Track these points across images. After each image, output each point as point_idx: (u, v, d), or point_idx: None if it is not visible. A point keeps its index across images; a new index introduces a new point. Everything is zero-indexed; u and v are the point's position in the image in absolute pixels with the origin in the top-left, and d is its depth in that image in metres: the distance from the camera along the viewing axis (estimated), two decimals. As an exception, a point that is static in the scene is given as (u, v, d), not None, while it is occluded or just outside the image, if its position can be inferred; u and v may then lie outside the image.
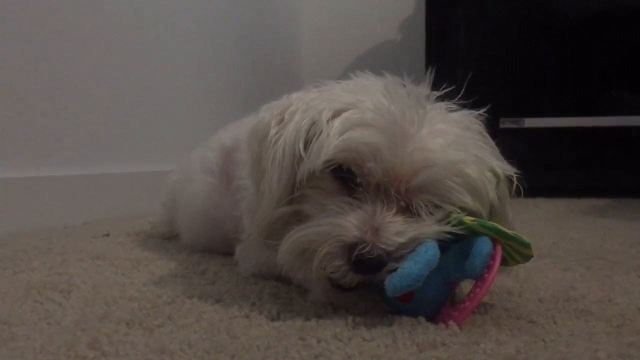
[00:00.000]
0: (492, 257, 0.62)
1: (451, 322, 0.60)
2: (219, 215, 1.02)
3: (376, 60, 3.10)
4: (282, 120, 0.71)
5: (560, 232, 1.34)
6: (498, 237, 0.63)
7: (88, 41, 1.58)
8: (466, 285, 0.72)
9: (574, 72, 2.36)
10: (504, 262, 0.65)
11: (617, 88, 2.36)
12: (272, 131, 0.70)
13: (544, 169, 2.18)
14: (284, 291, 0.76)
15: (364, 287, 0.65)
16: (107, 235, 1.28)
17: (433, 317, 0.63)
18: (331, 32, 3.25)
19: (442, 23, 2.53)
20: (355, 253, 0.60)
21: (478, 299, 0.61)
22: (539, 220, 1.56)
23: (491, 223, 0.63)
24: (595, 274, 0.90)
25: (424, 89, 0.72)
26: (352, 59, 3.15)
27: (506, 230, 0.62)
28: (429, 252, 0.61)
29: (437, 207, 0.65)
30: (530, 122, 2.33)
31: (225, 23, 2.35)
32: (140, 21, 1.80)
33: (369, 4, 3.19)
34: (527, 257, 0.65)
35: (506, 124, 2.27)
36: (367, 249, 0.60)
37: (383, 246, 0.61)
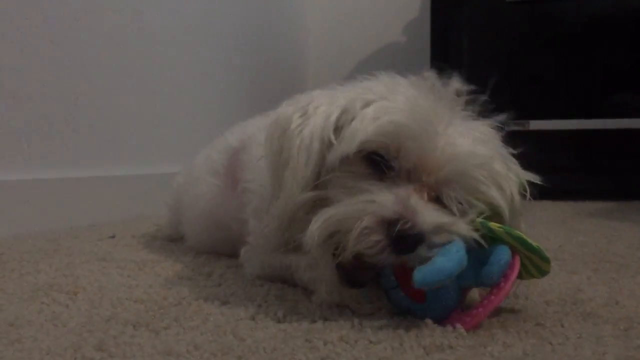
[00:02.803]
0: (510, 267, 0.61)
1: (458, 325, 0.60)
2: (225, 217, 1.02)
3: (381, 63, 3.09)
4: (305, 113, 0.71)
5: (567, 235, 1.33)
6: (520, 248, 0.63)
7: (94, 44, 1.58)
8: (474, 294, 0.72)
9: (579, 74, 2.35)
10: (519, 275, 0.64)
11: (623, 90, 2.35)
12: (295, 123, 0.70)
13: (549, 171, 2.16)
14: (289, 293, 0.76)
15: (372, 283, 0.66)
16: (113, 237, 1.29)
17: (441, 321, 0.62)
18: (336, 35, 3.26)
19: (447, 26, 2.53)
20: (398, 228, 0.59)
21: (492, 307, 0.60)
22: (545, 223, 1.56)
23: (516, 232, 0.63)
24: (602, 276, 0.89)
25: (452, 90, 0.72)
26: (357, 61, 3.16)
27: (530, 241, 0.62)
28: (461, 252, 0.60)
29: (466, 202, 0.65)
30: (536, 125, 2.33)
31: (232, 26, 2.36)
32: (147, 24, 1.81)
33: (374, 7, 3.19)
34: (543, 273, 0.65)
35: (511, 126, 2.26)
36: (408, 224, 0.60)
37: (423, 225, 0.60)
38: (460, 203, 0.65)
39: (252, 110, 1.11)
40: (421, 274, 0.58)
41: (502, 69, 2.41)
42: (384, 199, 0.62)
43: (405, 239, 0.60)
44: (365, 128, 0.64)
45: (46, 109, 1.43)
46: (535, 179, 0.71)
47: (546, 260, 0.63)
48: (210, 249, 1.10)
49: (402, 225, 0.59)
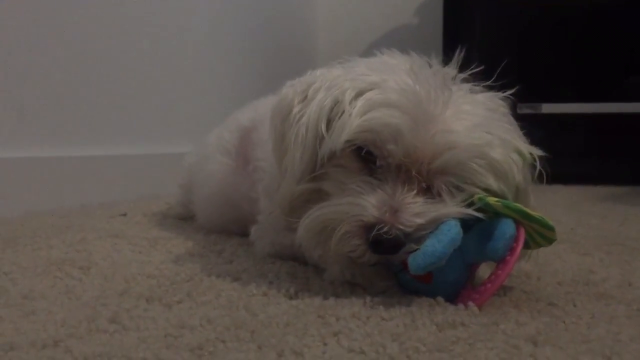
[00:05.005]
0: (515, 240, 0.61)
1: (470, 303, 0.60)
2: (236, 196, 1.02)
3: (392, 45, 3.05)
4: (305, 97, 0.70)
5: (579, 218, 1.32)
6: (522, 219, 0.62)
7: (106, 23, 1.58)
8: (483, 270, 0.71)
9: (592, 57, 2.32)
10: (526, 245, 0.64)
11: (636, 74, 2.32)
12: (295, 109, 0.70)
13: (561, 155, 2.15)
14: (301, 271, 0.76)
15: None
16: (124, 215, 1.29)
17: (452, 299, 0.62)
18: (347, 16, 3.22)
19: (459, 7, 2.50)
20: (373, 233, 0.61)
21: (499, 282, 0.60)
22: (556, 207, 1.55)
23: (515, 204, 0.62)
24: (614, 258, 0.89)
25: (451, 69, 0.71)
26: (368, 43, 3.13)
27: (530, 212, 0.61)
28: (452, 231, 0.60)
29: (459, 188, 0.64)
30: (548, 108, 2.31)
31: (244, 6, 2.34)
32: (160, 4, 1.80)
33: (386, -12, 3.16)
34: (550, 241, 0.64)
35: (524, 109, 2.25)
36: (385, 229, 0.60)
37: (401, 227, 0.61)
38: (453, 194, 0.64)
39: (263, 90, 1.10)
40: (414, 261, 0.59)
41: (514, 51, 2.38)
42: (366, 202, 0.62)
43: (381, 243, 0.61)
44: (351, 125, 0.64)
45: (58, 88, 1.43)
46: (541, 153, 0.69)
47: (551, 229, 0.62)
48: (221, 228, 1.10)
49: (378, 230, 0.60)
